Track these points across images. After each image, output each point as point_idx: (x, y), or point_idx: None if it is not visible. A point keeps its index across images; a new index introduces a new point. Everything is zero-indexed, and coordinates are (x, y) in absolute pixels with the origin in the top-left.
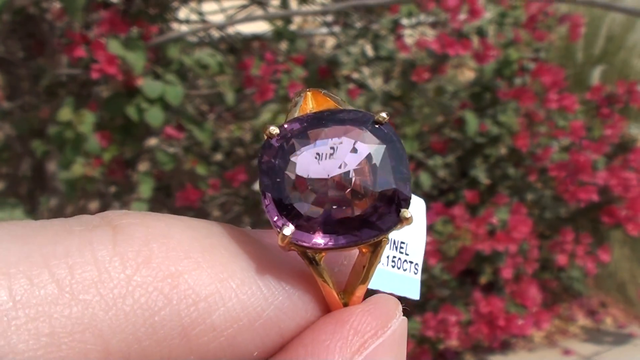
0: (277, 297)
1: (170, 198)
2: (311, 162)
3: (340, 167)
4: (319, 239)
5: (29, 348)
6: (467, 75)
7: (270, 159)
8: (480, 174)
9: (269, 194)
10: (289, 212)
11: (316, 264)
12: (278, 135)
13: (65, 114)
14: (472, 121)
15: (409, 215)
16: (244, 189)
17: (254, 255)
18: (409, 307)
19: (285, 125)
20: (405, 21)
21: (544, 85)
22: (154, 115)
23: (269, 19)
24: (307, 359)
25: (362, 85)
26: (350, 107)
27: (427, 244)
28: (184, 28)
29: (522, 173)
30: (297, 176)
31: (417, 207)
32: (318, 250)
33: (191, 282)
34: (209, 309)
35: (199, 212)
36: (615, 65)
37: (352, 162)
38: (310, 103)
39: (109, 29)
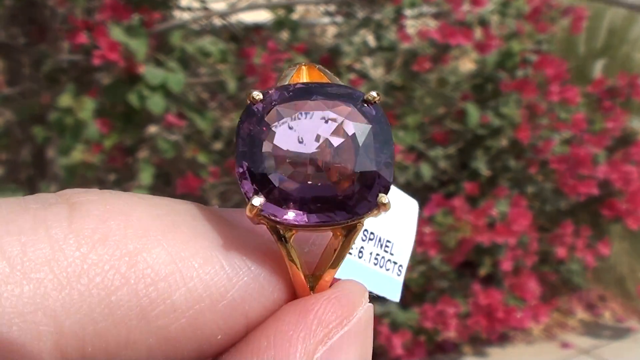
0: (242, 278)
1: (169, 186)
2: (292, 134)
3: (322, 142)
4: (291, 215)
5: None
6: (469, 66)
7: (249, 125)
8: (481, 165)
9: (244, 162)
10: (262, 184)
11: (285, 242)
12: (261, 101)
13: (66, 100)
14: (473, 113)
15: (386, 201)
16: None
17: (218, 233)
18: (407, 299)
19: (270, 92)
20: (408, 12)
21: (546, 78)
22: (156, 103)
23: (272, 7)
24: (269, 351)
25: (363, 75)
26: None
27: (426, 234)
28: (185, 15)
29: (523, 165)
30: (276, 147)
31: (409, 208)
32: (289, 226)
33: (150, 260)
34: (169, 289)
35: (199, 200)
36: (617, 58)
37: (335, 139)
38: (303, 77)
39: (111, 15)
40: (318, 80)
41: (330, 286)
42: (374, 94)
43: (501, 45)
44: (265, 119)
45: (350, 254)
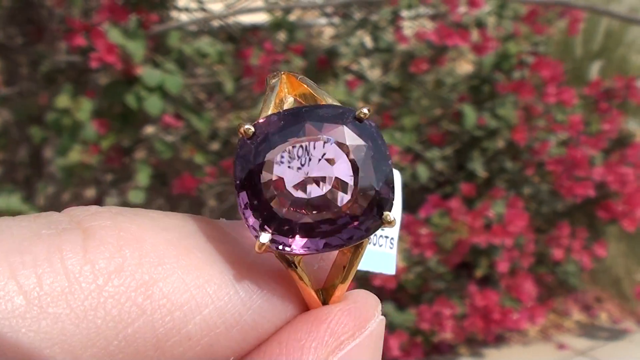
0: (256, 301)
1: (166, 186)
2: (289, 162)
3: (320, 167)
4: (299, 244)
5: None
6: (466, 68)
7: (245, 159)
8: (478, 167)
9: (245, 195)
10: (265, 215)
11: (295, 267)
12: (253, 133)
13: (63, 100)
14: (470, 114)
15: (391, 219)
16: None
17: (230, 255)
18: (404, 300)
19: (261, 121)
20: (404, 13)
21: (542, 79)
22: (153, 104)
23: (269, 10)
24: (281, 357)
25: (360, 77)
26: (328, 98)
27: (423, 236)
28: (183, 16)
29: (520, 167)
30: (274, 177)
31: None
32: (298, 255)
33: (165, 290)
34: (184, 318)
35: (195, 201)
36: (613, 60)
37: (332, 162)
38: (285, 88)
39: (108, 17)
40: (300, 91)
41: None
42: (365, 110)
43: (498, 47)
44: (261, 150)
45: None
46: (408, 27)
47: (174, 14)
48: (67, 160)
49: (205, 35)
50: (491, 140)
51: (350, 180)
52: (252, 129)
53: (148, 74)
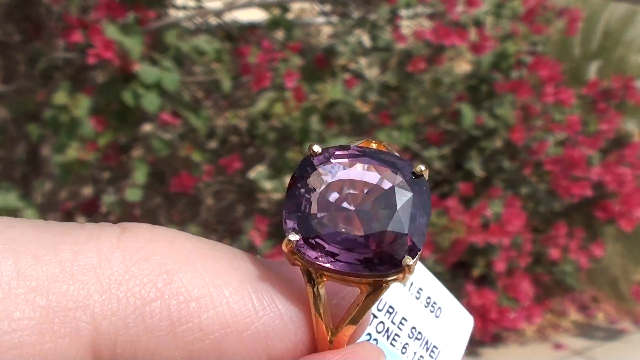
0: (268, 313)
1: (164, 184)
2: (340, 189)
3: (364, 201)
4: (322, 259)
5: (24, 316)
6: (464, 67)
7: (304, 173)
8: (475, 166)
9: (292, 206)
10: (303, 226)
11: (313, 284)
12: (319, 154)
13: (61, 97)
14: (468, 113)
15: (410, 263)
16: (238, 177)
17: (253, 271)
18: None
19: (330, 149)
20: (403, 12)
21: (540, 79)
22: (150, 101)
23: (266, 6)
24: None
25: (358, 76)
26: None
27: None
28: (180, 14)
29: (517, 166)
30: (323, 198)
31: (463, 322)
32: (319, 268)
33: (185, 281)
34: (198, 310)
35: (193, 199)
36: (612, 60)
37: (376, 200)
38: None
39: (106, 14)
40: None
41: (349, 342)
42: (422, 167)
43: (496, 47)
44: (320, 170)
45: (393, 345)
46: (406, 26)
47: (172, 11)
48: (64, 158)
49: (203, 33)
50: (489, 139)
51: (386, 221)
52: (320, 150)
53: (145, 71)
